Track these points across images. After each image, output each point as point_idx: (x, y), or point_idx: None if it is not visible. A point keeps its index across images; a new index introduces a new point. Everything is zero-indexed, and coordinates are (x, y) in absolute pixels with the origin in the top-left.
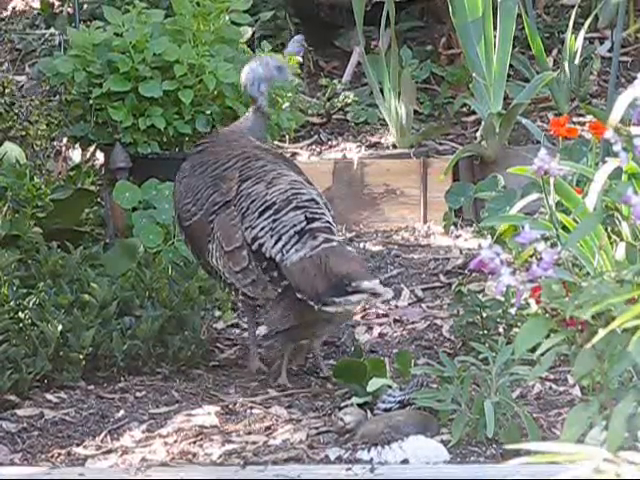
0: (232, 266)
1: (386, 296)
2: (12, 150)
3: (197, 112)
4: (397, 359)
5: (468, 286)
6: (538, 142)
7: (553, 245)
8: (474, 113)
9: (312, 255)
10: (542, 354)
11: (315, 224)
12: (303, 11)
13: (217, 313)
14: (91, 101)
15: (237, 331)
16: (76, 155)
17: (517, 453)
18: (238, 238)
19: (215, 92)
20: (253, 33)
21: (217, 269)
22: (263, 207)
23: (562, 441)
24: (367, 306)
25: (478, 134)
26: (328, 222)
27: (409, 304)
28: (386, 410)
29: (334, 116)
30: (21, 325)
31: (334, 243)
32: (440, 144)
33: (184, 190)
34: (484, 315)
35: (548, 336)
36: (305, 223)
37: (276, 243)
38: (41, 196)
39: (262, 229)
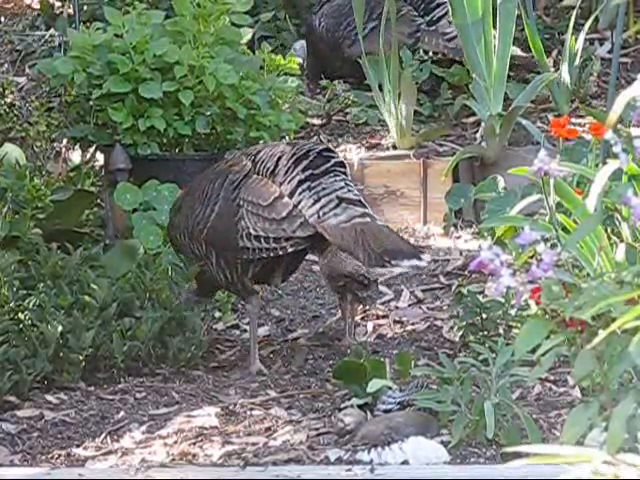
0: (276, 216)
1: (423, 263)
2: (12, 151)
3: (197, 113)
4: (397, 360)
5: (468, 287)
6: (538, 143)
7: (553, 246)
8: (474, 114)
9: (346, 227)
10: (542, 355)
11: (350, 195)
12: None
13: (217, 314)
14: (91, 102)
15: (237, 332)
16: (76, 156)
17: (517, 454)
18: (274, 191)
19: (215, 93)
20: (253, 34)
21: (255, 240)
22: (294, 158)
23: (562, 442)
24: (367, 307)
25: (478, 135)
26: (358, 195)
27: (409, 305)
28: (386, 411)
29: (334, 117)
30: (21, 326)
31: (367, 219)
32: (440, 145)
33: (188, 209)
34: (484, 316)
35: (548, 337)
36: (346, 190)
37: (314, 203)
38: (41, 197)
39: (299, 183)
